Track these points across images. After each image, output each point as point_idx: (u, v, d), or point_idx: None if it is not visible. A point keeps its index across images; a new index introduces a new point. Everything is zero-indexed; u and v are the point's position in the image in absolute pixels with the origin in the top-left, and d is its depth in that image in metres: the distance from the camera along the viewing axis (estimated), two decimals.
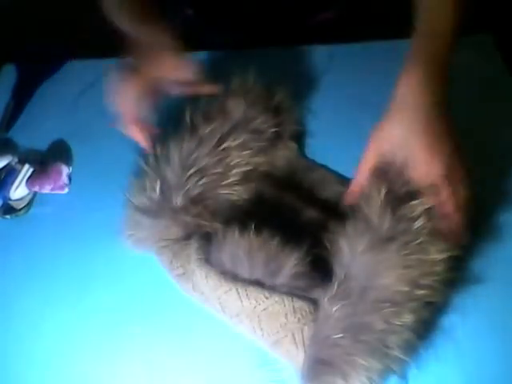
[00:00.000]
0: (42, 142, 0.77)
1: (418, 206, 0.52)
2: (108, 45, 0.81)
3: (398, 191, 0.53)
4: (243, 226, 0.54)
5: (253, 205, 0.63)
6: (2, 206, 0.70)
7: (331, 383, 0.49)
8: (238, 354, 0.57)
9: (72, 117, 0.78)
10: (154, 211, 0.58)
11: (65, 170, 0.72)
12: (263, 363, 0.54)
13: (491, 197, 0.64)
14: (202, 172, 0.60)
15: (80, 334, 0.60)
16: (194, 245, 0.57)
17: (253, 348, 0.58)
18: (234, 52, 0.83)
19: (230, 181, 0.62)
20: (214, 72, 0.71)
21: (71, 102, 0.80)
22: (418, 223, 0.51)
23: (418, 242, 0.51)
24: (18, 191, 0.70)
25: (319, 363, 0.50)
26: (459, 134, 0.56)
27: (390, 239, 0.51)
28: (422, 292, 0.50)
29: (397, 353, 0.49)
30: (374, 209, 0.53)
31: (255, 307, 0.52)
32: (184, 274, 0.59)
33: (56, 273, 0.64)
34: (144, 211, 0.59)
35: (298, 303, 0.52)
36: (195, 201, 0.59)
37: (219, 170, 0.61)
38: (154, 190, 0.59)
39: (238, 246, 0.53)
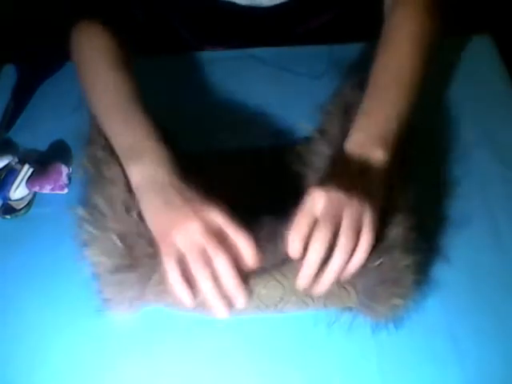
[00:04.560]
0: (42, 142, 0.77)
1: None
2: None
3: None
4: None
5: None
6: (2, 205, 0.70)
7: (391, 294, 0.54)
8: (238, 355, 0.58)
9: (72, 117, 0.78)
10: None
11: (65, 170, 0.72)
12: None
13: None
14: None
15: (80, 333, 0.60)
16: None
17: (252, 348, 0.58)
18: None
19: None
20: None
21: (71, 102, 0.80)
22: None
23: None
24: (18, 191, 0.70)
25: (372, 285, 0.54)
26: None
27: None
28: None
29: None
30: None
31: (295, 281, 0.54)
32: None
33: (56, 273, 0.64)
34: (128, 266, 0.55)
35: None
36: None
37: None
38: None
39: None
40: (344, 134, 0.59)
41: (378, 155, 0.56)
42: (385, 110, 0.59)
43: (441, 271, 0.60)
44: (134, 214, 0.56)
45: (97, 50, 0.67)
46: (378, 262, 0.53)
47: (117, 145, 0.60)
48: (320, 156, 0.62)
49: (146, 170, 0.55)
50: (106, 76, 0.65)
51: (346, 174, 0.55)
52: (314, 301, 0.57)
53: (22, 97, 0.82)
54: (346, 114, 0.62)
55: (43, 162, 0.73)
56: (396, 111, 0.59)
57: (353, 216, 0.51)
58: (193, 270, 0.50)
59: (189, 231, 0.51)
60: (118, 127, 0.60)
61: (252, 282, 0.56)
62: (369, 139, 0.57)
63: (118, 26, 0.70)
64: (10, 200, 0.71)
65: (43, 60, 0.85)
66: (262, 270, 0.56)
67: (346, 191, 0.52)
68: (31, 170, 0.72)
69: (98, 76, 0.65)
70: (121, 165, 0.58)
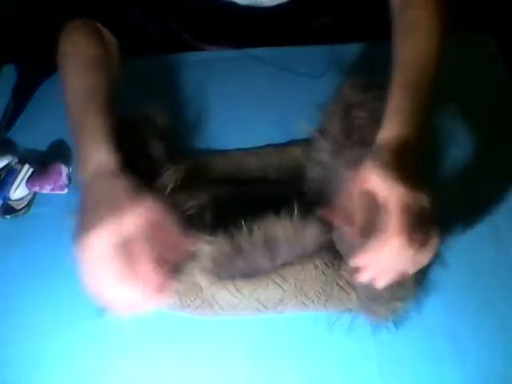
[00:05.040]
0: (42, 142, 0.77)
1: None
2: None
3: None
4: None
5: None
6: (2, 205, 0.70)
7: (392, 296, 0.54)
8: (238, 356, 0.58)
9: None
10: None
11: (65, 170, 0.72)
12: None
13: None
14: None
15: (80, 334, 0.60)
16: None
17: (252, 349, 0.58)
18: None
19: None
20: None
21: None
22: None
23: None
24: (18, 191, 0.70)
25: (373, 287, 0.52)
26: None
27: None
28: None
29: None
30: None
31: (295, 284, 0.55)
32: (203, 302, 0.58)
33: (56, 273, 0.64)
34: None
35: (326, 257, 0.56)
36: None
37: None
38: None
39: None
40: (344, 133, 0.59)
41: (412, 144, 0.53)
42: (412, 107, 0.57)
43: (440, 271, 0.60)
44: None
45: (74, 48, 0.67)
46: None
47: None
48: (322, 152, 0.62)
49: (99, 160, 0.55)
50: (76, 77, 0.64)
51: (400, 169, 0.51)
52: (314, 303, 0.57)
53: (22, 97, 0.82)
54: (347, 113, 0.62)
55: (43, 162, 0.73)
56: (422, 108, 0.57)
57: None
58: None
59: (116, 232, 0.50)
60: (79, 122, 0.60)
61: (250, 284, 0.56)
62: (401, 133, 0.54)
63: (107, 25, 0.71)
64: (10, 200, 0.71)
65: (43, 60, 0.85)
66: (259, 274, 0.56)
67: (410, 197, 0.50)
68: (31, 170, 0.72)
69: (69, 75, 0.65)
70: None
